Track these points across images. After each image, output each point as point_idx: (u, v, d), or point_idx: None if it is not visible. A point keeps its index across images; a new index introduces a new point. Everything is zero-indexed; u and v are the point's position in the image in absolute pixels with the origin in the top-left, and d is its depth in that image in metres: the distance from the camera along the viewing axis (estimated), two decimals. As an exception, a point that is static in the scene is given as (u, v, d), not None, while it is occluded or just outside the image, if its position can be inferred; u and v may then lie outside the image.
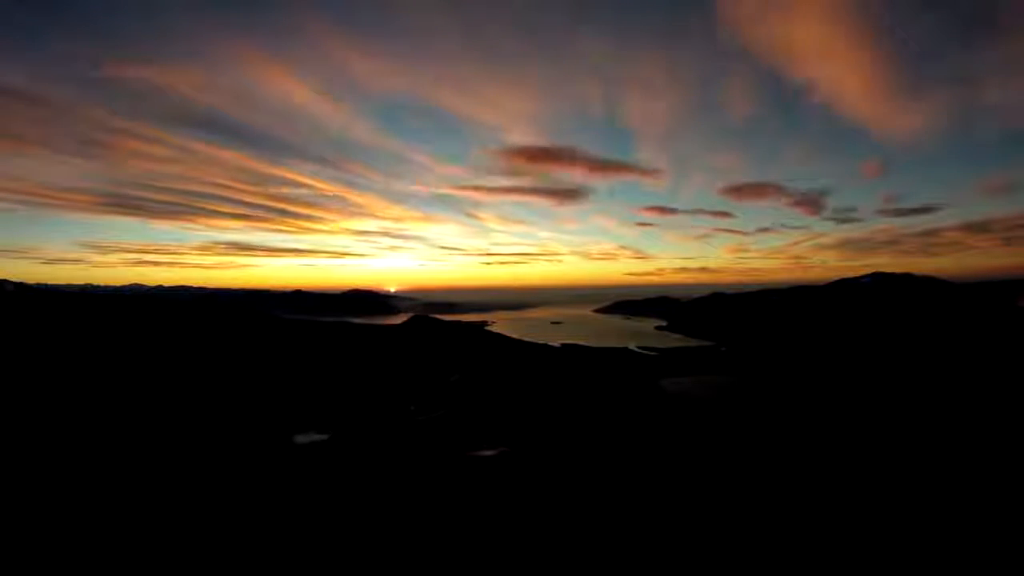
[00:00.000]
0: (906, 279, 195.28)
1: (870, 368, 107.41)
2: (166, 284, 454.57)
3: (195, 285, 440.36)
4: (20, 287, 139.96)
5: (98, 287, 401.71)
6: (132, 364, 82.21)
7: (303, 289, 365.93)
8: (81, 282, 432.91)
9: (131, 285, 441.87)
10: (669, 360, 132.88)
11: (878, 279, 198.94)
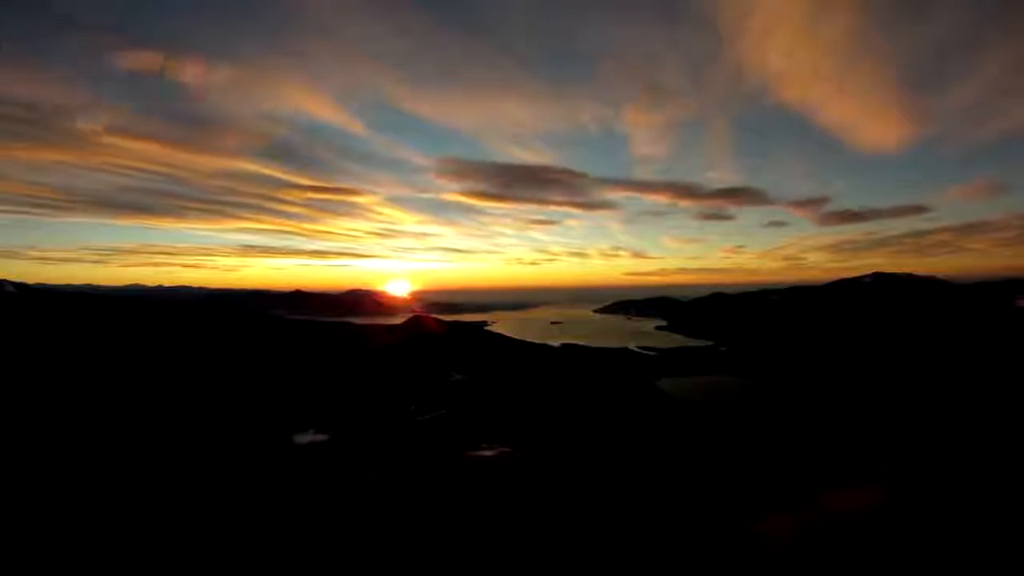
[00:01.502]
0: (906, 279, 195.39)
1: (873, 368, 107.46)
2: (166, 284, 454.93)
3: (195, 285, 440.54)
4: (20, 287, 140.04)
5: (99, 287, 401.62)
6: (133, 365, 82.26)
7: (303, 289, 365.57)
8: (81, 282, 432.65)
9: (131, 286, 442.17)
10: (669, 360, 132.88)
11: (879, 279, 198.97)
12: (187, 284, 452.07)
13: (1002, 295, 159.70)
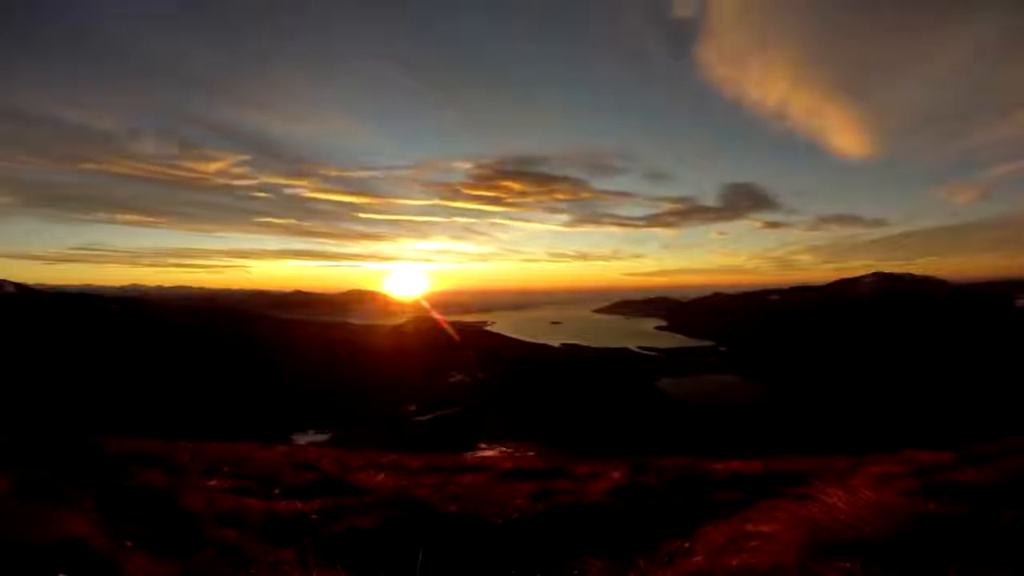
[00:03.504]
0: (906, 279, 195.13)
1: (875, 365, 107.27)
2: (166, 285, 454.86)
3: (196, 285, 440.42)
4: (21, 287, 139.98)
5: (97, 288, 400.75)
6: (132, 364, 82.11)
7: (304, 290, 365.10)
8: (81, 283, 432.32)
9: (130, 286, 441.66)
10: (669, 360, 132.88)
11: (879, 278, 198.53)
12: (187, 284, 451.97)
13: (1001, 295, 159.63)
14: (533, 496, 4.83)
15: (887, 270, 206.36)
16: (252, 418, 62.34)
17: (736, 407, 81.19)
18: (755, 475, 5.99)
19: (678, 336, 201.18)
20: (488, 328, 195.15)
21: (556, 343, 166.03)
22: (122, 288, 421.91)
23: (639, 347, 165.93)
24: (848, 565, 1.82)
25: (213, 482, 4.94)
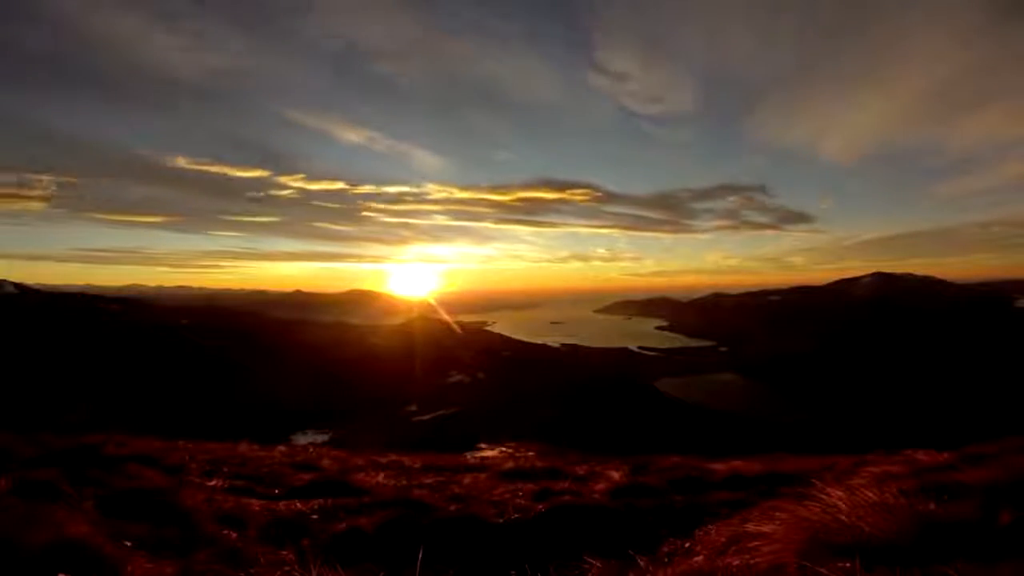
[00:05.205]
0: (906, 279, 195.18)
1: (876, 365, 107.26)
2: (166, 285, 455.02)
3: (196, 286, 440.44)
4: (20, 287, 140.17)
5: (97, 288, 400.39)
6: (132, 364, 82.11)
7: (304, 290, 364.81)
8: (81, 283, 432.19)
9: (130, 286, 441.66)
10: (669, 360, 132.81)
11: (879, 278, 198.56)
12: (187, 285, 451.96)
13: (1001, 295, 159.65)
14: (533, 496, 4.83)
15: (886, 270, 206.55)
16: (252, 418, 62.32)
17: (736, 407, 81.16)
18: (755, 475, 5.99)
19: (678, 336, 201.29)
20: (489, 328, 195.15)
21: (556, 343, 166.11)
22: (122, 288, 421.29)
23: (639, 347, 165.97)
24: (848, 565, 1.85)
25: (213, 482, 4.94)
